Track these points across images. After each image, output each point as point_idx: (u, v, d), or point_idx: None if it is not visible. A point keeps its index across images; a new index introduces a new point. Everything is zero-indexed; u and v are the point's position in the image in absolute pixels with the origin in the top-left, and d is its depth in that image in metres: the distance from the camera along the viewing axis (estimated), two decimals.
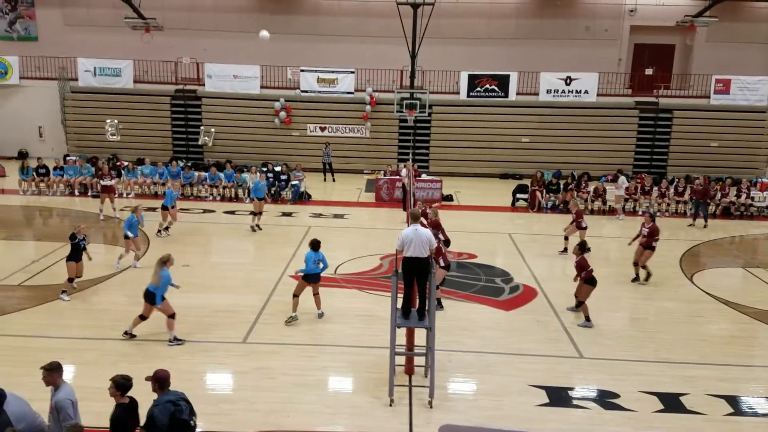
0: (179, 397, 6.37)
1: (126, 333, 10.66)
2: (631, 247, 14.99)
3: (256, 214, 18.18)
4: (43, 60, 28.99)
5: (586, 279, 11.81)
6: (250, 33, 30.44)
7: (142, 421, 6.36)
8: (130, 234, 14.23)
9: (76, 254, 12.65)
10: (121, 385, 6.26)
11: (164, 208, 17.23)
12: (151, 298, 10.46)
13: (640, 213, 21.62)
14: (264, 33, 16.75)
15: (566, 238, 16.42)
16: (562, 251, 16.34)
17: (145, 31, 26.84)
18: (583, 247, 12.12)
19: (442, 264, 12.02)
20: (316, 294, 11.69)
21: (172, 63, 28.91)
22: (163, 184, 22.41)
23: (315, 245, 11.62)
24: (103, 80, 28.68)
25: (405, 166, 21.51)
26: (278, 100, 28.14)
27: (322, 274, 11.77)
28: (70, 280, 12.54)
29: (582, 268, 11.83)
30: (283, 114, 28.09)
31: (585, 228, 16.03)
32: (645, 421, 8.52)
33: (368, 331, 11.18)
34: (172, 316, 10.50)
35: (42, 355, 9.93)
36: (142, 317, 10.60)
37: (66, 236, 13.27)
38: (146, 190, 22.58)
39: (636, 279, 14.39)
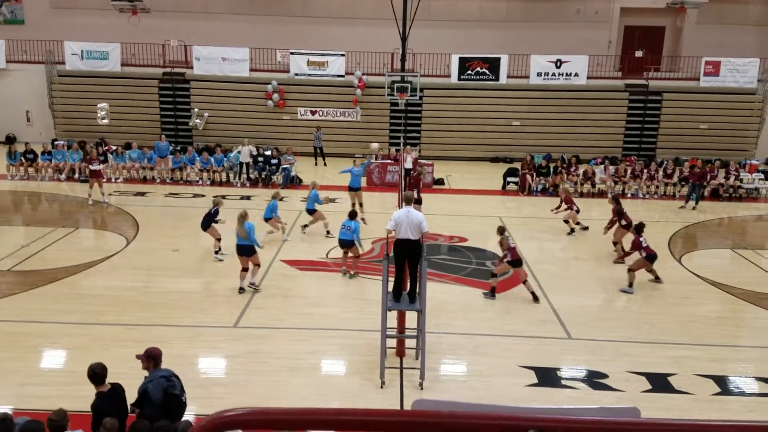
0: (171, 374, 6.41)
1: (242, 289, 11.98)
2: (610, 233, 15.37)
3: (359, 204, 17.12)
4: (30, 43, 28.64)
5: (646, 256, 12.84)
6: (238, 15, 30.26)
7: (130, 403, 6.38)
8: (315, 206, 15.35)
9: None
10: (91, 376, 6.27)
11: (310, 212, 15.97)
12: (247, 250, 11.89)
13: (629, 196, 21.77)
14: (374, 145, 17.16)
15: (566, 221, 16.99)
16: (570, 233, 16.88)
17: (132, 14, 26.52)
18: (639, 229, 13.11)
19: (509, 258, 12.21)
20: (346, 255, 13.22)
21: (160, 46, 28.63)
22: (152, 169, 22.32)
23: (350, 214, 13.42)
24: (90, 64, 28.39)
25: (407, 151, 21.50)
26: (270, 83, 27.95)
27: (315, 257, 11.83)
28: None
29: (637, 246, 12.90)
30: (276, 96, 27.92)
31: (577, 211, 16.47)
32: (633, 401, 8.63)
33: (360, 314, 11.23)
34: (257, 265, 12.18)
35: (33, 340, 9.97)
36: (245, 270, 12.07)
37: (54, 221, 13.22)
38: (134, 174, 22.46)
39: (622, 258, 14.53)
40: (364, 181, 19.31)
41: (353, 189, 17.42)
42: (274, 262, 13.84)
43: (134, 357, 6.64)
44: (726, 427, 1.35)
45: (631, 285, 12.77)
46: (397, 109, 27.04)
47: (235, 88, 28.26)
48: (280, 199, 15.89)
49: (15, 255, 13.92)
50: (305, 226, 16.11)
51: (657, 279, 13.29)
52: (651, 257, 12.86)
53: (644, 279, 13.18)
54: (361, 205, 17.11)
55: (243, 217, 11.80)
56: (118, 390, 6.39)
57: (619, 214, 15.06)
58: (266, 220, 15.13)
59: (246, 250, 11.95)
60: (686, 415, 8.24)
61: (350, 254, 13.23)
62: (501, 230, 12.77)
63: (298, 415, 1.35)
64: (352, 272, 13.19)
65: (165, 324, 10.65)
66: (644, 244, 12.90)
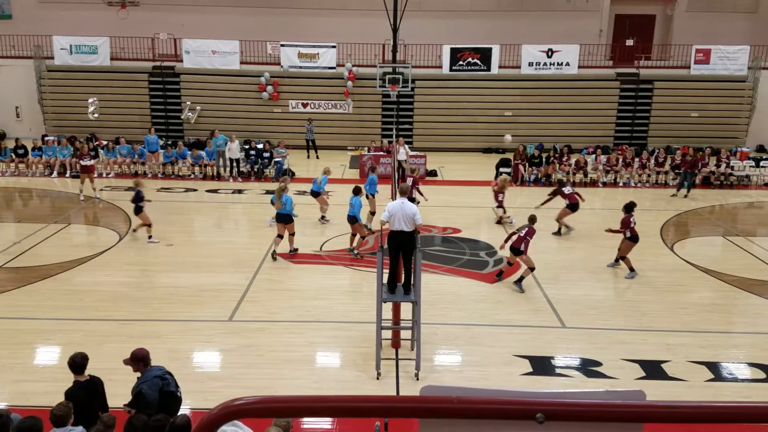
0: (164, 372, 6.42)
1: (274, 255, 13.47)
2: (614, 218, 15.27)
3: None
4: (17, 38, 28.35)
5: (630, 236, 12.99)
6: (228, 7, 30.06)
7: (114, 399, 6.39)
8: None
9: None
10: (71, 364, 6.34)
11: (314, 194, 16.50)
12: (284, 218, 13.56)
13: (620, 185, 21.86)
14: (507, 137, 16.78)
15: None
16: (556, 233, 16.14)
17: (121, 7, 26.37)
18: (629, 208, 13.22)
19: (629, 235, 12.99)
20: (353, 238, 14.06)
21: (149, 39, 28.42)
22: (143, 163, 22.20)
23: (355, 190, 14.14)
24: (79, 58, 28.15)
25: (400, 143, 21.45)
26: (263, 75, 27.79)
27: (308, 251, 11.88)
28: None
29: (626, 224, 13.04)
30: (270, 89, 27.79)
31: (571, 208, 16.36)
32: (626, 388, 8.69)
33: (355, 306, 11.25)
34: (292, 234, 13.69)
35: (27, 336, 9.94)
36: (280, 236, 13.78)
37: (46, 217, 13.16)
38: (125, 169, 22.35)
39: (558, 233, 15.79)
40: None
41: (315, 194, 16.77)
42: (267, 256, 13.83)
43: (128, 352, 6.63)
44: (728, 408, 1.36)
45: (632, 269, 13.05)
46: (389, 100, 26.99)
47: (225, 81, 28.11)
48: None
49: (7, 252, 13.84)
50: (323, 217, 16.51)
51: (617, 261, 13.59)
52: (634, 238, 13.07)
53: (635, 265, 13.23)
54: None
55: (282, 190, 13.64)
56: (96, 382, 6.42)
57: (626, 225, 13.23)
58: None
59: (283, 218, 13.68)
60: None
61: (357, 234, 14.00)
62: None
63: (308, 402, 1.36)
64: (356, 251, 13.84)
65: (159, 319, 10.64)
66: (632, 224, 13.07)
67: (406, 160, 20.70)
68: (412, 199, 13.73)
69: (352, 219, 13.92)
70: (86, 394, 6.23)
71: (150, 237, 14.65)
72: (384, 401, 1.38)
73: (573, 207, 15.86)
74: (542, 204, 16.67)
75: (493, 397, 1.39)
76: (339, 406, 1.38)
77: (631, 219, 13.11)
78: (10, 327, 10.26)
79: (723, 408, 1.36)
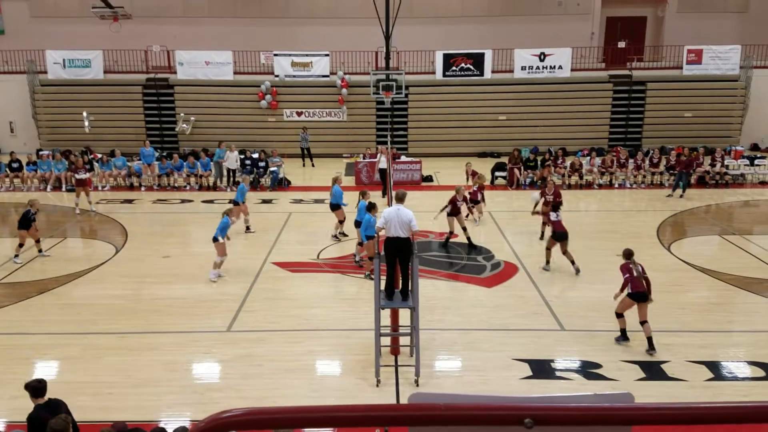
0: None
1: (336, 236, 15.06)
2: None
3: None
4: (10, 53, 28.38)
5: (553, 233, 13.10)
6: (220, 18, 30.14)
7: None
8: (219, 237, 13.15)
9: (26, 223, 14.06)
10: (31, 387, 6.47)
11: (235, 203, 16.00)
12: (334, 206, 15.29)
13: (616, 186, 21.90)
14: (535, 195, 15.38)
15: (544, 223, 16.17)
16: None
17: (113, 20, 26.33)
18: (556, 207, 13.41)
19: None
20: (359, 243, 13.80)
21: (143, 51, 28.47)
22: (139, 176, 22.19)
23: (368, 207, 12.87)
24: (72, 72, 28.17)
25: (381, 151, 21.42)
26: (262, 84, 27.77)
27: (307, 259, 11.80)
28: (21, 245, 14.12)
29: (548, 216, 13.38)
30: (269, 97, 27.82)
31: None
32: (627, 390, 8.67)
33: (353, 314, 11.23)
34: (341, 220, 15.35)
35: (25, 352, 9.90)
36: (340, 221, 15.39)
37: (42, 232, 13.16)
38: (121, 182, 22.33)
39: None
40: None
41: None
42: (264, 266, 13.81)
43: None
44: (716, 408, 1.36)
45: (548, 262, 13.34)
46: (383, 107, 27.04)
47: (219, 92, 28.14)
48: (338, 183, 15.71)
49: (3, 267, 13.81)
50: (341, 233, 15.84)
51: (548, 264, 13.37)
52: (557, 234, 13.00)
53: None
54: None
55: (335, 180, 15.20)
56: (57, 403, 6.48)
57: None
58: (215, 240, 13.48)
59: (333, 207, 15.19)
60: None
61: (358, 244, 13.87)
62: (627, 254, 10.24)
63: (295, 413, 1.35)
64: (357, 258, 13.84)
65: (157, 331, 10.61)
66: (555, 219, 13.13)
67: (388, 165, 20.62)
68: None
69: (334, 206, 14.86)
70: (48, 414, 6.21)
71: (16, 256, 14.14)
72: (371, 410, 1.38)
73: (559, 236, 13.15)
74: (535, 211, 15.51)
75: (481, 403, 1.39)
76: (326, 416, 1.37)
77: (556, 214, 13.14)
78: (6, 343, 10.22)
79: (710, 409, 1.36)
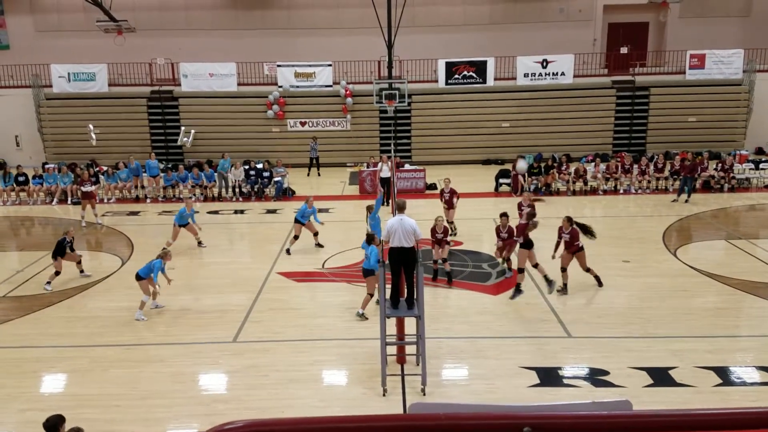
0: None
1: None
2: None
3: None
4: (16, 68, 28.56)
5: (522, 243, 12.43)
6: (224, 30, 30.32)
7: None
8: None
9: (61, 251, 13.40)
10: (46, 427, 6.37)
11: (182, 226, 15.92)
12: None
13: (621, 192, 21.86)
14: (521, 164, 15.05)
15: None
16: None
17: (117, 34, 26.52)
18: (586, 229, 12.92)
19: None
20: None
21: (147, 64, 28.63)
22: (143, 187, 22.30)
23: (367, 239, 11.84)
24: (77, 85, 28.36)
25: (382, 160, 21.43)
26: (270, 95, 27.87)
27: (312, 269, 11.75)
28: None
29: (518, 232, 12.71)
30: (276, 107, 27.92)
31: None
32: (635, 396, 8.63)
33: (358, 323, 11.21)
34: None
35: (32, 365, 9.93)
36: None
37: (48, 245, 13.18)
38: (126, 194, 22.42)
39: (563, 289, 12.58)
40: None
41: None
42: (270, 276, 13.82)
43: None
44: (713, 415, 1.37)
45: (565, 286, 12.47)
46: (387, 116, 27.11)
47: (223, 104, 28.27)
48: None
49: (10, 281, 13.86)
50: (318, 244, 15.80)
51: (565, 288, 12.47)
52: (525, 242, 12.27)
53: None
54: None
55: (369, 210, 14.13)
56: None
57: (573, 236, 12.39)
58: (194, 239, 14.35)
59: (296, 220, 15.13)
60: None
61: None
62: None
63: (296, 424, 1.36)
64: (361, 311, 11.51)
65: (164, 342, 10.62)
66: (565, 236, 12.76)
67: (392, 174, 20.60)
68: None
69: (368, 272, 11.42)
70: None
71: (48, 283, 13.28)
72: (372, 420, 1.39)
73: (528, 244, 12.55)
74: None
75: (481, 412, 1.39)
76: (326, 427, 1.38)
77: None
78: (14, 356, 10.25)
79: (707, 415, 1.37)
